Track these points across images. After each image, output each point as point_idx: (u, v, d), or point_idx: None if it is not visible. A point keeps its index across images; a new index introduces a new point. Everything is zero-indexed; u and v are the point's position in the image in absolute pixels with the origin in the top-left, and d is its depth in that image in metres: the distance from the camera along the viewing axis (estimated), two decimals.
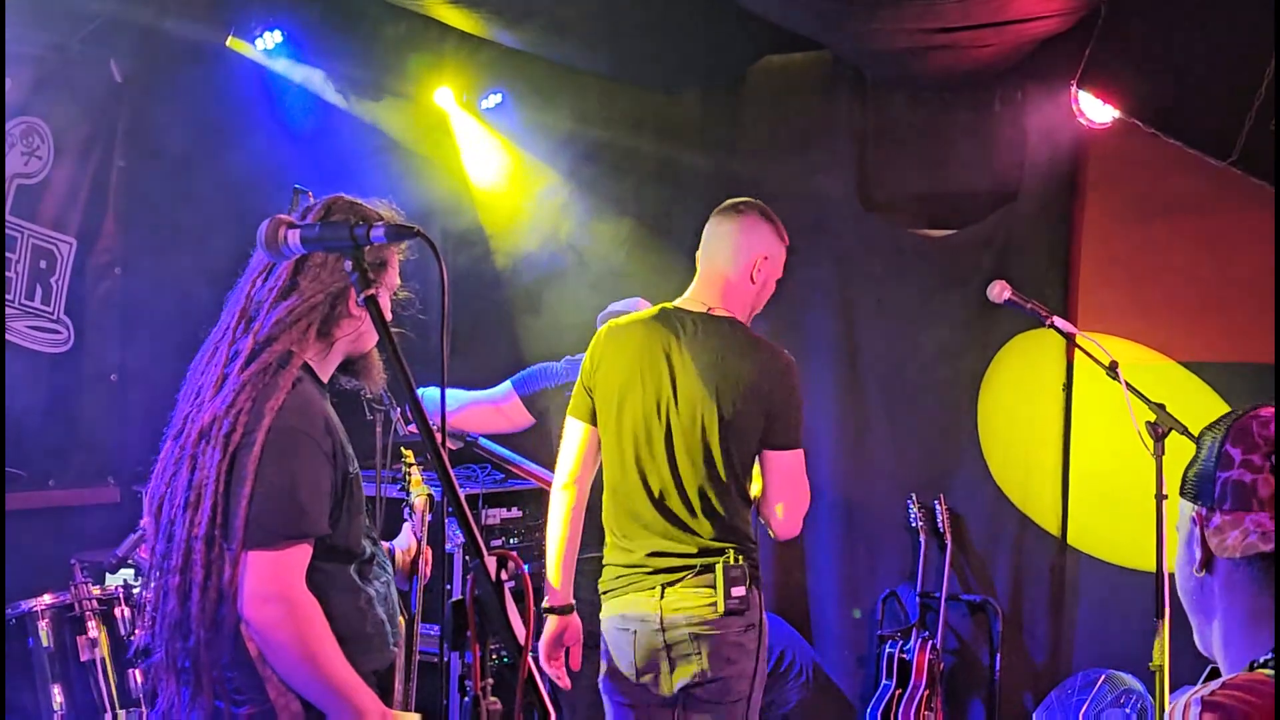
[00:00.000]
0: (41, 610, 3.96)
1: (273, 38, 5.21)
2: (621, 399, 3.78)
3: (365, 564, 2.71)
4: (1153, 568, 4.12)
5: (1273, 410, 1.88)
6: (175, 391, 2.74)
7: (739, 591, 3.66)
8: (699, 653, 3.67)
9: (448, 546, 5.07)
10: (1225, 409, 5.44)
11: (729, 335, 3.78)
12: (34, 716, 3.91)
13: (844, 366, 6.25)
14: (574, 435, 3.86)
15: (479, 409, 4.64)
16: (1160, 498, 4.10)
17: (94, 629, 3.98)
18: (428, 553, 3.16)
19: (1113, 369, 4.27)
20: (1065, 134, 5.67)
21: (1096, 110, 5.15)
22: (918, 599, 6.01)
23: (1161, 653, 4.05)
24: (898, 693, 5.83)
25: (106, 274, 5.31)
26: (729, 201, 3.95)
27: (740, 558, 3.70)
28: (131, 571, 4.17)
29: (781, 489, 3.77)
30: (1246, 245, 5.59)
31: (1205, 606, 1.90)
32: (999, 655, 5.97)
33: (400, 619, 2.76)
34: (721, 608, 3.65)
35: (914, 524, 6.02)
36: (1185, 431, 4.05)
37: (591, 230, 6.48)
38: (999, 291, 4.46)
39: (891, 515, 6.13)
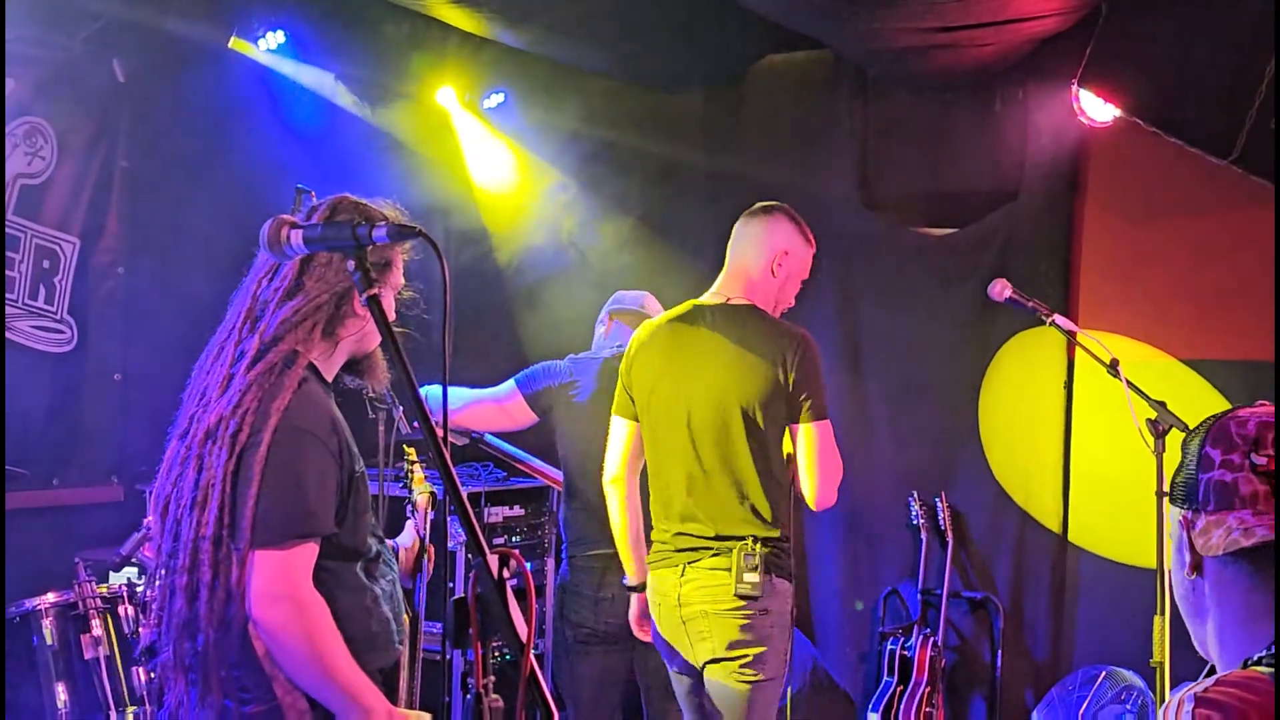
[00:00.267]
0: (45, 609, 3.96)
1: (275, 38, 5.22)
2: (652, 393, 3.98)
3: (371, 562, 2.71)
4: (1153, 564, 4.12)
5: (1251, 410, 1.88)
6: (179, 391, 2.74)
7: (752, 578, 3.77)
8: (711, 632, 3.81)
9: (450, 544, 5.08)
10: (1226, 406, 5.45)
11: (745, 321, 3.95)
12: (38, 714, 3.90)
13: (845, 364, 6.25)
14: (618, 432, 4.09)
15: (482, 407, 4.65)
16: (1161, 495, 4.10)
17: (98, 627, 3.98)
18: (430, 550, 3.17)
19: (1113, 366, 4.28)
20: (1066, 133, 5.68)
21: (1097, 109, 5.16)
22: (919, 596, 6.01)
23: (1162, 649, 4.06)
24: (899, 689, 5.84)
25: (110, 274, 5.32)
26: (757, 205, 4.18)
27: (759, 545, 3.81)
28: (135, 570, 4.18)
29: (811, 460, 3.90)
30: (1247, 244, 5.59)
31: (1199, 608, 1.90)
32: (1000, 652, 5.97)
33: (405, 617, 2.77)
34: (733, 591, 3.77)
35: (915, 521, 6.02)
36: (1185, 429, 4.05)
37: (594, 229, 6.49)
38: (1000, 289, 4.47)
39: (893, 513, 6.13)
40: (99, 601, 4.02)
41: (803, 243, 4.11)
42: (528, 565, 2.25)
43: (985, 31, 5.20)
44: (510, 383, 4.66)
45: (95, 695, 3.95)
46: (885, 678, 5.90)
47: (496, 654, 2.09)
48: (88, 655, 3.97)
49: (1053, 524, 5.93)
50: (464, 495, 2.03)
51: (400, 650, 2.71)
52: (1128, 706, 5.31)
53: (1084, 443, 5.85)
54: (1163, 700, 4.04)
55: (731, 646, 3.82)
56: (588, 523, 4.51)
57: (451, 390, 4.64)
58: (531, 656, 1.95)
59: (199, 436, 2.58)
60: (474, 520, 2.02)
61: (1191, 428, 1.93)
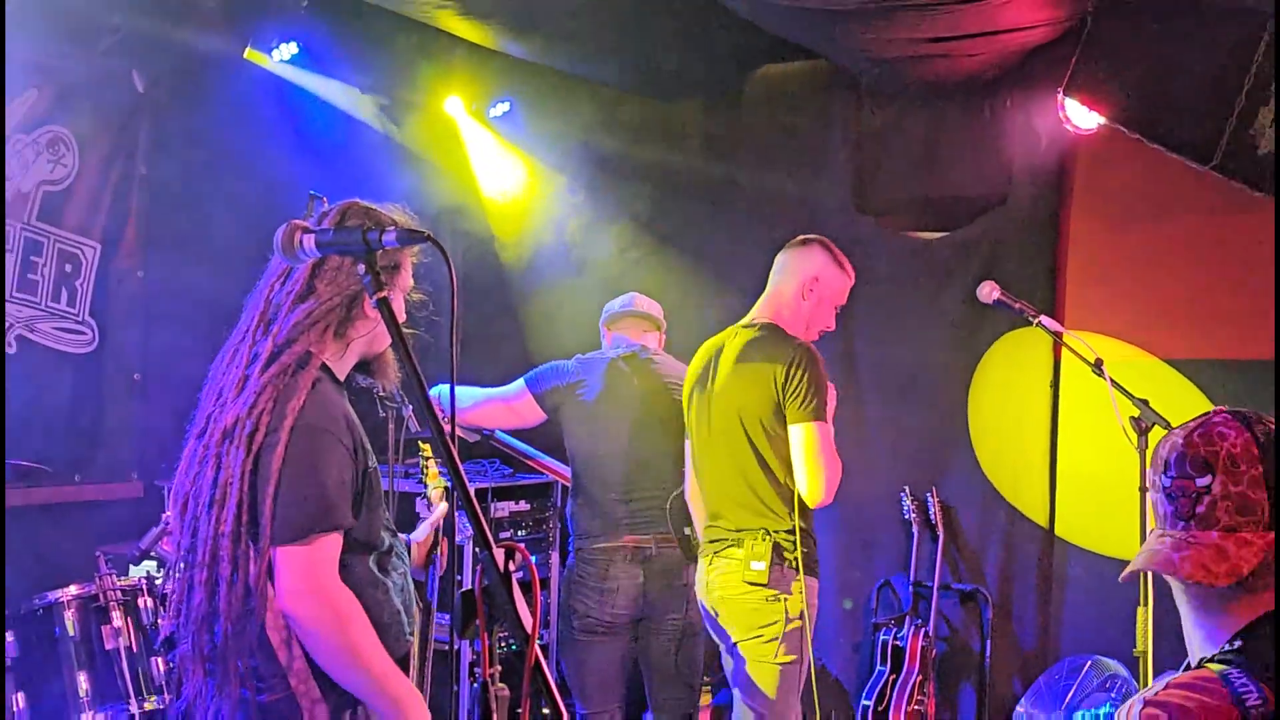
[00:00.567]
0: (67, 601, 3.97)
1: (289, 49, 5.23)
2: (690, 411, 4.33)
3: (384, 555, 2.72)
4: (1134, 555, 4.13)
5: (1176, 429, 1.90)
6: (197, 390, 2.75)
7: (759, 566, 4.01)
8: (731, 616, 4.09)
9: (458, 539, 5.09)
10: (1208, 405, 5.47)
11: (760, 339, 4.19)
12: (61, 702, 3.91)
13: (839, 364, 6.25)
14: (685, 451, 4.40)
15: (493, 406, 4.67)
16: (1144, 490, 4.10)
17: (118, 619, 3.99)
18: (444, 543, 3.17)
19: (1098, 366, 4.29)
20: (1053, 140, 5.68)
21: (1083, 117, 5.15)
22: (911, 588, 6.01)
23: (1145, 639, 4.06)
24: (892, 678, 5.84)
25: (129, 277, 5.33)
26: (797, 238, 4.39)
27: (769, 537, 4.05)
28: (154, 563, 4.19)
29: (804, 458, 4.03)
30: (1229, 247, 5.59)
31: (1181, 608, 1.91)
32: (989, 642, 5.97)
33: (416, 608, 2.77)
34: (742, 578, 4.03)
35: (907, 516, 6.04)
36: (1168, 426, 4.06)
37: (596, 234, 6.50)
38: (988, 292, 4.48)
39: (886, 508, 6.14)
40: (119, 594, 4.03)
41: (835, 270, 4.32)
42: (532, 559, 2.25)
43: (975, 42, 5.21)
44: (520, 382, 4.68)
45: (116, 684, 3.96)
46: (878, 667, 5.91)
47: (502, 644, 2.10)
48: (109, 646, 3.98)
49: (1040, 519, 5.93)
50: (471, 491, 2.04)
51: (410, 641, 2.71)
52: (1112, 695, 5.31)
53: (1070, 440, 5.85)
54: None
55: (747, 629, 4.05)
56: (593, 517, 4.54)
57: (463, 389, 4.67)
58: (536, 647, 1.96)
59: (216, 436, 2.58)
60: (480, 515, 2.02)
61: (1173, 425, 1.95)
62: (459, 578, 4.95)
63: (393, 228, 2.33)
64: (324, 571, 2.50)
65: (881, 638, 5.93)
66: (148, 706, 3.96)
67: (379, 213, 2.72)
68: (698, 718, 4.71)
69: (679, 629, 4.53)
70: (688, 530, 4.45)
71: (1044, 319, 4.49)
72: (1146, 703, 1.71)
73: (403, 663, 2.67)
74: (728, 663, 4.19)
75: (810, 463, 4.01)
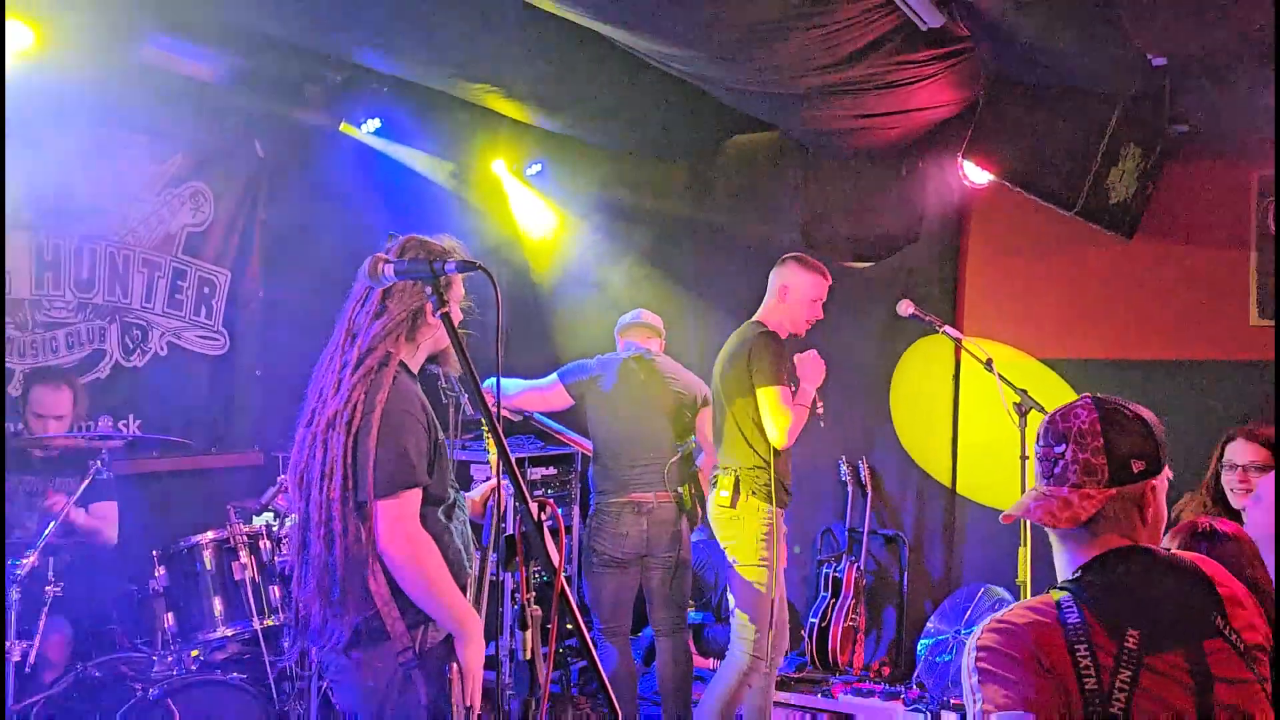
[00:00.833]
0: (206, 543, 3.98)
1: (373, 123, 5.22)
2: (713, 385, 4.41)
3: (450, 507, 2.71)
4: None
5: (1056, 409, 1.90)
6: (304, 383, 2.73)
7: (724, 494, 4.19)
8: (714, 529, 4.27)
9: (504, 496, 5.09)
10: (1072, 393, 5.48)
11: (743, 332, 4.30)
12: (201, 620, 3.92)
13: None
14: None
15: (532, 394, 4.69)
16: (1023, 458, 4.10)
17: (244, 556, 4.00)
18: (501, 493, 3.14)
19: (989, 364, 4.29)
20: (954, 191, 5.69)
21: (976, 174, 5.16)
22: (846, 533, 6.01)
23: (1024, 570, 4.07)
24: (832, 602, 5.84)
25: (253, 297, 5.34)
26: (781, 258, 4.45)
27: (731, 475, 4.19)
28: (271, 515, 4.18)
29: (766, 415, 4.12)
30: (1088, 272, 5.61)
31: (1053, 546, 1.91)
32: (906, 574, 5.97)
33: (474, 549, 2.76)
34: (714, 503, 4.23)
35: (844, 479, 6.04)
36: (1043, 410, 4.06)
37: (610, 264, 6.49)
38: (906, 307, 4.49)
39: (827, 472, 6.14)
40: (245, 538, 4.04)
41: (803, 276, 4.32)
42: (559, 510, 2.26)
43: (893, 118, 5.21)
44: (553, 375, 4.69)
45: (243, 607, 3.97)
46: (822, 593, 5.90)
47: (536, 576, 2.08)
48: (237, 577, 3.99)
49: (944, 480, 5.93)
50: (513, 459, 2.04)
51: (470, 573, 2.72)
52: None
53: (967, 420, 5.86)
54: None
55: (721, 539, 4.22)
56: (607, 479, 4.55)
57: (508, 381, 4.69)
58: (562, 579, 1.96)
59: (321, 425, 2.57)
60: (519, 477, 2.03)
61: (1047, 409, 1.94)
62: (503, 525, 4.94)
63: (452, 259, 2.33)
64: (408, 517, 2.50)
65: (824, 571, 5.93)
66: (267, 623, 3.97)
67: (432, 243, 2.70)
68: (685, 632, 4.70)
69: (673, 563, 4.54)
70: (680, 489, 4.48)
71: (947, 328, 4.50)
72: (989, 625, 1.71)
73: (464, 589, 2.67)
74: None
75: (770, 416, 4.09)
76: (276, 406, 4.77)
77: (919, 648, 5.60)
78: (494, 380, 3.08)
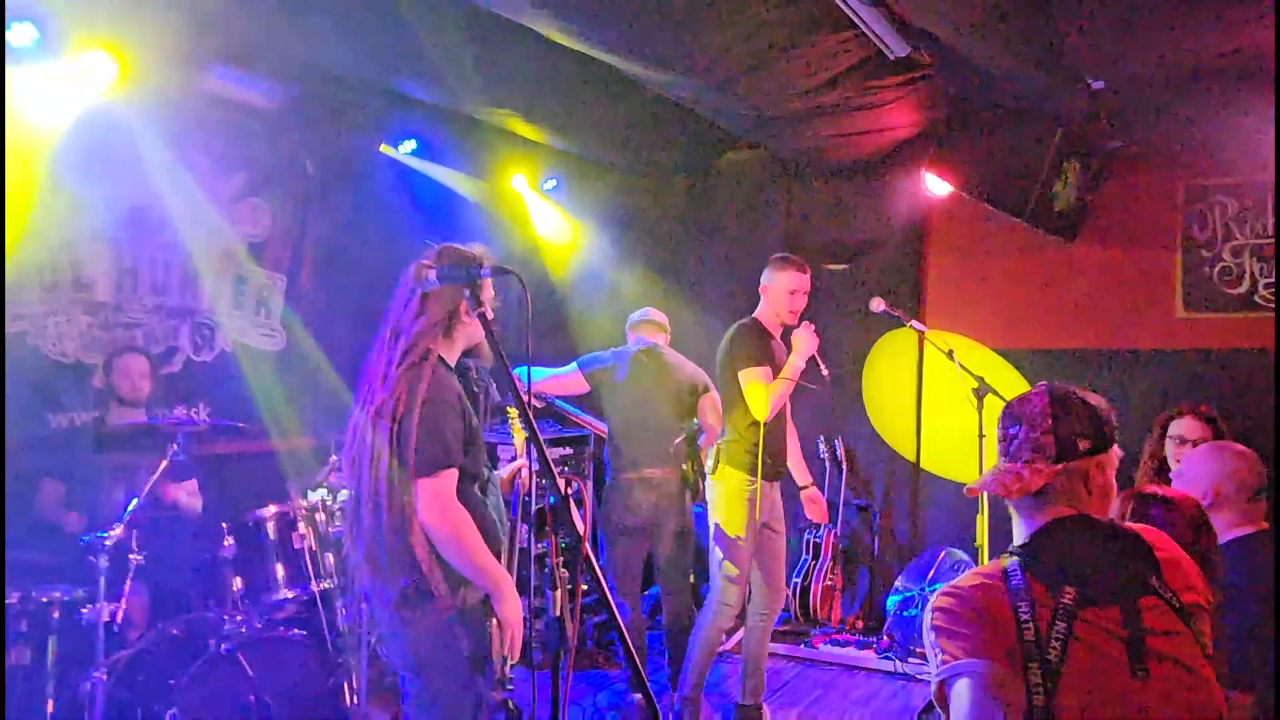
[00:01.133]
0: (269, 516, 3.98)
1: (410, 144, 5.21)
2: None
3: (485, 484, 2.71)
4: (976, 480, 4.13)
5: (1024, 393, 1.91)
6: (353, 375, 2.73)
7: (710, 462, 4.23)
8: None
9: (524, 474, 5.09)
10: (1023, 379, 5.46)
11: (734, 327, 4.23)
12: (265, 584, 3.92)
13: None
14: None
15: (554, 381, 4.68)
16: (980, 437, 4.11)
17: (303, 527, 3.99)
18: (525, 472, 3.14)
19: (950, 354, 4.28)
20: (918, 201, 5.68)
21: (938, 186, 5.16)
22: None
23: (982, 535, 4.07)
24: (812, 564, 5.86)
25: (306, 298, 5.32)
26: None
27: (716, 448, 4.22)
28: (325, 490, 4.18)
29: (746, 393, 4.08)
30: (1036, 271, 5.62)
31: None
32: (877, 539, 5.99)
33: (505, 520, 2.77)
34: (706, 468, 4.27)
35: (821, 455, 6.04)
36: (998, 394, 4.07)
37: (616, 268, 6.49)
38: (877, 304, 4.48)
39: (808, 449, 6.11)
40: (303, 510, 4.04)
41: (780, 274, 4.20)
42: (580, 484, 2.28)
43: (865, 136, 5.22)
44: (573, 364, 4.68)
45: (303, 572, 3.97)
46: (803, 556, 5.92)
47: (562, 542, 2.09)
48: (296, 546, 3.98)
49: (910, 456, 5.95)
50: (541, 439, 2.05)
51: (503, 541, 2.72)
52: (958, 574, 5.31)
53: (931, 404, 5.87)
54: None
55: (709, 501, 4.24)
56: (620, 458, 4.54)
57: (534, 369, 4.67)
58: (587, 545, 1.97)
59: (370, 412, 2.57)
60: (547, 455, 2.04)
61: (1002, 395, 1.95)
62: (526, 499, 4.95)
63: (486, 264, 2.34)
64: (445, 494, 2.50)
65: (805, 536, 5.94)
66: (324, 586, 3.96)
67: (465, 251, 2.69)
68: (687, 591, 4.70)
69: (678, 532, 4.53)
70: (684, 466, 4.47)
71: (913, 322, 4.49)
72: (943, 591, 1.73)
73: (498, 556, 2.67)
74: None
75: (746, 393, 4.05)
76: (326, 395, 4.78)
77: (888, 603, 5.62)
78: (524, 369, 3.10)
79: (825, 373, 4.23)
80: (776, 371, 4.10)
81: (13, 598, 3.30)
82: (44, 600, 3.35)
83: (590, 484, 5.81)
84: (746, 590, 4.22)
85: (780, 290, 4.21)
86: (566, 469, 5.59)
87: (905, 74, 4.49)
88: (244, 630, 3.64)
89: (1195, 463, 2.82)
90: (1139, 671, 1.65)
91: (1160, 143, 5.11)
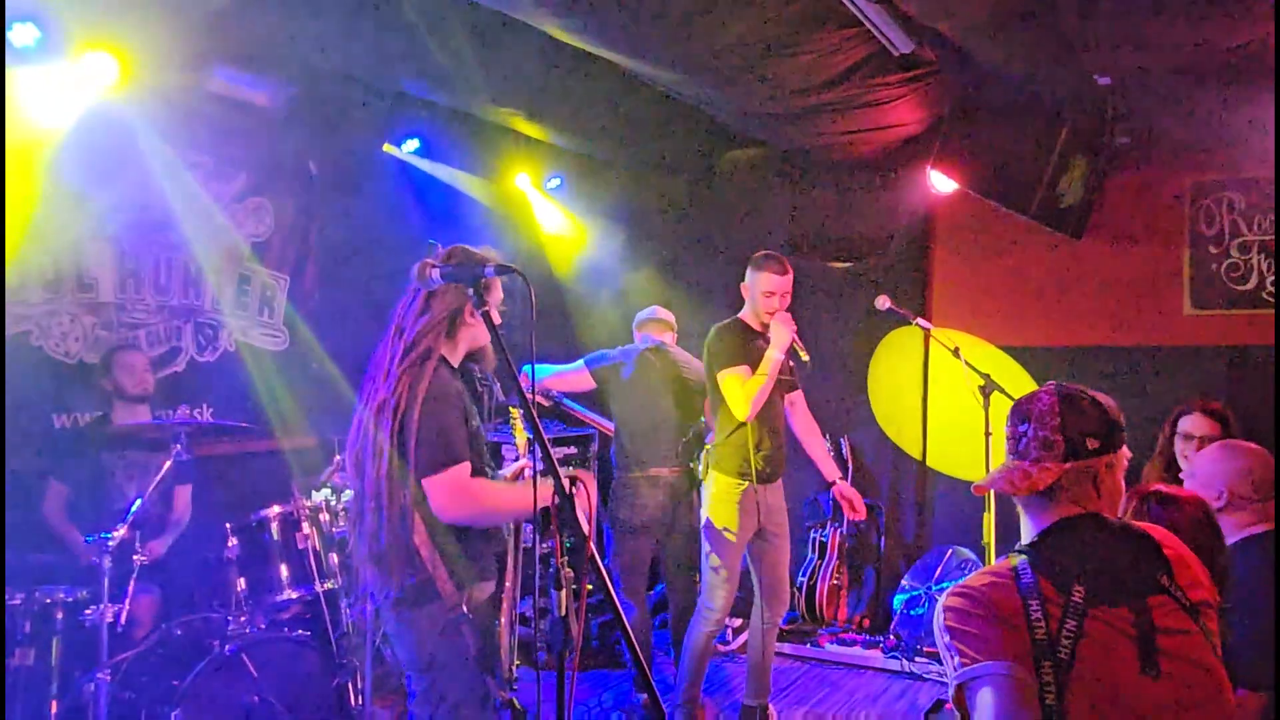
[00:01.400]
0: (273, 516, 3.97)
1: (413, 143, 5.20)
2: None
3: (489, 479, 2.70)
4: (982, 478, 4.12)
5: (1033, 391, 1.89)
6: (357, 375, 2.73)
7: (701, 466, 4.17)
8: None
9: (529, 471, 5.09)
10: (1029, 377, 5.45)
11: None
12: (269, 584, 3.91)
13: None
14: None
15: (561, 377, 4.70)
16: (987, 435, 4.10)
17: (307, 527, 3.98)
18: (528, 471, 3.12)
19: (956, 352, 4.28)
20: (923, 198, 5.66)
21: (943, 183, 5.15)
22: (830, 502, 5.99)
23: (989, 534, 4.06)
24: (818, 563, 5.85)
25: (309, 298, 5.30)
26: None
27: (708, 451, 4.15)
28: (329, 490, 4.17)
29: (725, 394, 4.00)
30: (1041, 269, 5.60)
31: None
32: (883, 538, 5.98)
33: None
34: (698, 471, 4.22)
35: (829, 452, 6.02)
36: (1004, 392, 4.06)
37: (620, 266, 6.49)
38: (882, 301, 4.47)
39: None
40: (306, 510, 4.02)
41: (759, 274, 4.09)
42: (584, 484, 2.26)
43: (869, 134, 5.21)
44: (580, 361, 4.68)
45: (307, 572, 3.96)
46: (809, 555, 5.91)
47: (567, 541, 2.08)
48: (300, 546, 3.97)
49: (916, 454, 5.95)
50: (546, 438, 2.04)
51: (507, 540, 2.71)
52: (965, 573, 5.31)
53: (937, 401, 5.86)
54: None
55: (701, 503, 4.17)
56: (627, 456, 4.54)
57: (539, 366, 4.68)
58: (592, 544, 1.97)
59: (373, 409, 2.57)
60: (551, 454, 2.03)
61: (1009, 393, 1.94)
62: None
63: (491, 264, 2.33)
64: (458, 487, 2.49)
65: (811, 535, 5.94)
66: (327, 586, 3.94)
67: (475, 252, 2.69)
68: (694, 591, 4.69)
69: (685, 530, 4.52)
70: (691, 464, 4.45)
71: (919, 320, 4.49)
72: (953, 591, 1.72)
73: (503, 555, 2.66)
74: None
75: (726, 396, 3.97)
76: (330, 395, 4.77)
77: (895, 602, 5.61)
78: (528, 367, 3.08)
79: (805, 357, 4.08)
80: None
81: (16, 599, 3.30)
82: (48, 601, 3.35)
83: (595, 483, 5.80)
84: (734, 596, 4.10)
85: (757, 291, 4.09)
86: (569, 467, 5.57)
87: (910, 71, 4.48)
88: (248, 631, 3.64)
89: (1206, 463, 2.80)
90: (1149, 670, 1.64)
91: (1167, 138, 5.10)
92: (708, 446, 4.16)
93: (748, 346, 4.02)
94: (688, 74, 4.37)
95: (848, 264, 6.13)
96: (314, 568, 3.95)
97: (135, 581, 3.54)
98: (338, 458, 4.12)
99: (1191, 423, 3.77)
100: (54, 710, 3.30)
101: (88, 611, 3.36)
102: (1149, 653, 1.65)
